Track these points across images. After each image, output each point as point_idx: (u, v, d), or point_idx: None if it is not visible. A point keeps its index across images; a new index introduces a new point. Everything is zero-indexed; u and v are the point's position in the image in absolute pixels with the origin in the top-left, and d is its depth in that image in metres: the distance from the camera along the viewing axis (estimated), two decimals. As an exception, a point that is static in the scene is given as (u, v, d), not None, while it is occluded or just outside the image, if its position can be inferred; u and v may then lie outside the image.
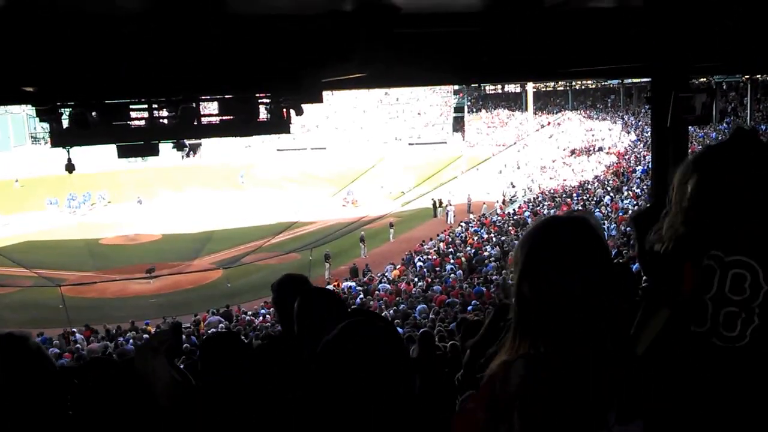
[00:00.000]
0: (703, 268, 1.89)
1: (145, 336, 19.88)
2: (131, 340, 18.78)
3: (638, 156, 42.75)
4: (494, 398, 1.77)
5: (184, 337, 18.41)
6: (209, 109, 9.45)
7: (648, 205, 2.13)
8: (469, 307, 17.18)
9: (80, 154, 10.61)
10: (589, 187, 39.97)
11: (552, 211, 34.64)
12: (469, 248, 29.59)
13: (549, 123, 65.22)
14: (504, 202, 43.95)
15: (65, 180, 49.19)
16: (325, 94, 9.41)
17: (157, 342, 2.09)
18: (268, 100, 9.25)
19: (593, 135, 56.61)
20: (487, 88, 74.40)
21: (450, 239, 32.94)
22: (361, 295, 23.04)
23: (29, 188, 53.50)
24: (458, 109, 75.27)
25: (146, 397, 2.18)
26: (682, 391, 1.83)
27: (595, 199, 35.64)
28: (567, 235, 1.72)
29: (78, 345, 18.47)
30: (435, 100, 76.19)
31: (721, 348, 1.85)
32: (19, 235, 40.14)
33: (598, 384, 1.64)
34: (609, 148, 50.80)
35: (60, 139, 8.47)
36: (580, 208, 33.31)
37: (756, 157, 1.93)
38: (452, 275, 24.72)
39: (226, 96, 8.90)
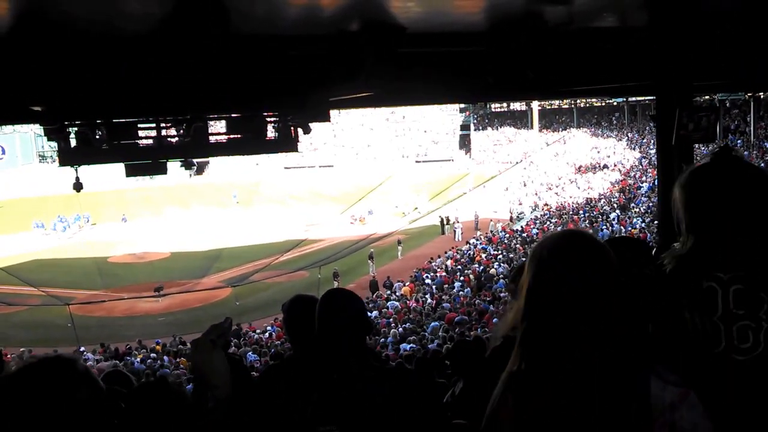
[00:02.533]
0: (705, 290, 1.94)
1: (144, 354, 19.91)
2: (137, 358, 18.83)
3: (644, 173, 42.75)
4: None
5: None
6: (217, 127, 9.51)
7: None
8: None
9: (86, 172, 10.68)
10: (596, 204, 39.95)
11: (559, 228, 34.62)
12: (476, 265, 29.56)
13: (556, 141, 65.29)
14: (511, 219, 43.95)
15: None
16: (333, 112, 9.46)
17: (215, 335, 2.13)
18: (275, 119, 9.31)
19: (598, 152, 56.65)
20: (492, 106, 74.65)
21: (458, 256, 32.90)
22: (373, 313, 23.04)
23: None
24: (464, 126, 75.51)
25: (191, 417, 2.23)
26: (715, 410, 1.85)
27: (601, 215, 35.59)
28: (575, 240, 1.84)
29: (89, 363, 18.50)
30: (441, 118, 76.40)
31: (742, 362, 1.89)
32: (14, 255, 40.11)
33: (588, 397, 1.68)
34: (614, 165, 50.80)
35: (68, 157, 8.53)
36: (587, 224, 33.33)
37: (738, 175, 2.00)
38: (461, 292, 24.69)
39: (234, 115, 8.96)
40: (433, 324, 18.18)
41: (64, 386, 1.64)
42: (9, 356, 20.25)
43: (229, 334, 2.21)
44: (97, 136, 8.28)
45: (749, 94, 37.19)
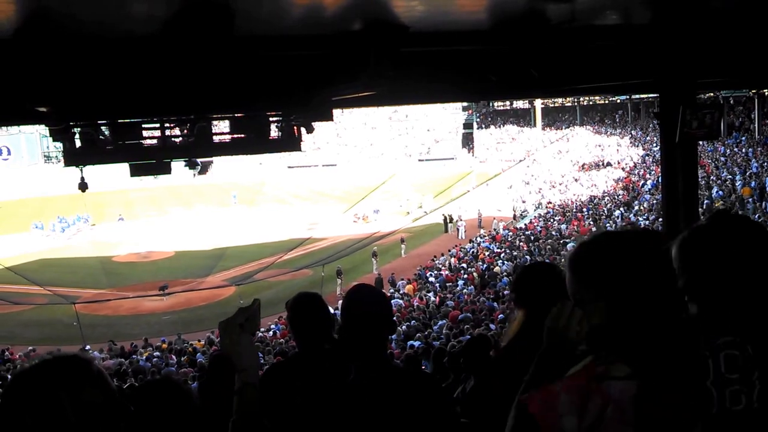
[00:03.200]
0: (699, 356, 1.93)
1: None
2: (145, 357, 18.89)
3: (647, 171, 42.71)
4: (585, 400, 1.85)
5: (199, 354, 18.57)
6: (220, 127, 9.55)
7: None
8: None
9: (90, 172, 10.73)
10: (599, 201, 39.92)
11: (563, 226, 34.60)
12: (480, 263, 29.56)
13: (559, 139, 65.28)
14: (515, 217, 43.98)
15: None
16: (335, 111, 9.49)
17: (243, 319, 2.19)
18: (278, 119, 9.34)
19: (602, 150, 56.61)
20: (495, 104, 74.64)
21: (462, 254, 32.90)
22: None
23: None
24: (467, 125, 75.50)
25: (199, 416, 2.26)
26: None
27: (605, 213, 35.58)
28: (640, 249, 1.87)
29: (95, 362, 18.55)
30: (444, 117, 76.39)
31: (737, 412, 1.88)
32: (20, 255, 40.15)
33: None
34: (618, 162, 50.75)
35: (73, 158, 8.56)
36: (590, 222, 33.31)
37: (735, 237, 1.97)
38: (465, 290, 24.70)
39: (237, 114, 8.99)
40: (441, 322, 18.22)
41: (77, 387, 1.65)
42: (16, 355, 20.41)
43: (258, 317, 2.22)
44: (102, 137, 8.34)
45: (753, 91, 37.14)
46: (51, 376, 1.64)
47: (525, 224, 39.44)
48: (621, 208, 35.52)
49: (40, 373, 1.65)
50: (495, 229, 38.98)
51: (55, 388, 1.63)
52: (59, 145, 8.85)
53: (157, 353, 20.13)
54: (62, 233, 47.50)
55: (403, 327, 18.23)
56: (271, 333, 22.51)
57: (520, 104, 74.19)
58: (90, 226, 49.98)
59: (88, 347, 21.01)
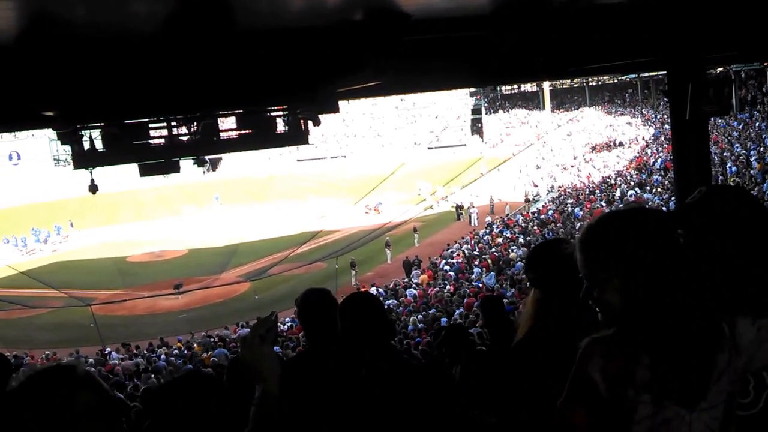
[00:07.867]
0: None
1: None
2: (163, 356, 18.98)
3: (659, 149, 42.36)
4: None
5: (216, 350, 18.63)
6: (227, 123, 9.53)
7: None
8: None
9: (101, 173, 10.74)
10: (612, 182, 39.60)
11: (576, 209, 34.41)
12: (493, 249, 29.46)
13: (569, 121, 64.89)
14: (527, 201, 43.79)
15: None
16: (342, 103, 9.45)
17: (264, 330, 2.18)
18: (285, 113, 9.32)
19: (613, 130, 56.22)
20: (503, 88, 74.17)
21: (475, 242, 32.80)
22: (391, 300, 23.12)
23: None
24: (475, 110, 75.08)
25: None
26: None
27: (619, 195, 35.30)
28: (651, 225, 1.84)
29: (114, 361, 18.71)
30: (451, 103, 76.02)
31: (742, 417, 1.84)
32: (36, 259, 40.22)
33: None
34: (630, 142, 50.36)
35: (82, 160, 8.60)
36: (603, 204, 33.08)
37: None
38: (482, 278, 24.65)
39: (243, 110, 8.98)
40: (458, 311, 18.21)
41: (64, 394, 1.67)
42: (34, 358, 20.54)
43: (276, 327, 2.25)
44: (110, 138, 8.34)
45: (766, 63, 36.64)
46: (36, 391, 1.66)
47: (537, 209, 39.25)
48: (635, 189, 35.19)
49: (25, 390, 1.66)
50: (508, 215, 38.86)
51: (42, 401, 1.65)
52: (68, 148, 8.88)
53: (176, 351, 20.29)
54: (25, 247, 44.74)
55: (419, 317, 18.25)
56: (287, 327, 22.54)
57: (527, 87, 73.62)
58: (62, 238, 48.34)
59: (108, 350, 21.13)
